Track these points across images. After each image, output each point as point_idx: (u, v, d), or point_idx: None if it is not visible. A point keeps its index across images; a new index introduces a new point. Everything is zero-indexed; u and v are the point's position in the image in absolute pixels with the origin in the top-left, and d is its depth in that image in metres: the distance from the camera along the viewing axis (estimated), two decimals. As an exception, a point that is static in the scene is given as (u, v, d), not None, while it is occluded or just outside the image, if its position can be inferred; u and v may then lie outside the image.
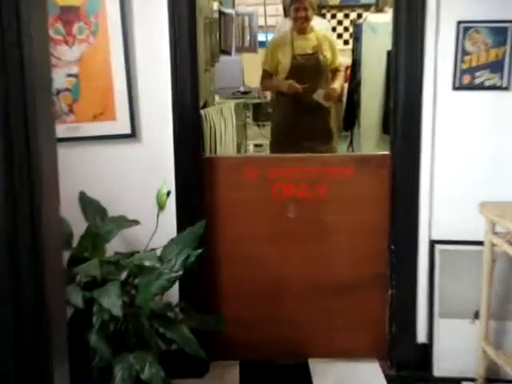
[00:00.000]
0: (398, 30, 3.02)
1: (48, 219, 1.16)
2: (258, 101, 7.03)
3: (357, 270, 3.29)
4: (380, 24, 4.90)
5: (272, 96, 5.02)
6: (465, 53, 2.99)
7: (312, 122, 4.53)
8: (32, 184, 1.12)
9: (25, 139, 1.11)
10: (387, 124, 4.16)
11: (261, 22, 9.49)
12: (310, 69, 4.50)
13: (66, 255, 2.60)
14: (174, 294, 3.06)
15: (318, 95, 4.49)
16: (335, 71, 4.68)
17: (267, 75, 4.67)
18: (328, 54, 4.55)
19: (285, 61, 4.53)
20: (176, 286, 2.94)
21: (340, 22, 10.31)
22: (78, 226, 2.72)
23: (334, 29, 10.47)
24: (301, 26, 4.52)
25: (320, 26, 4.93)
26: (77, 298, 2.35)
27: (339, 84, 4.70)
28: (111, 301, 2.36)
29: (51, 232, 1.18)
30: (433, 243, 3.16)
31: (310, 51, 4.52)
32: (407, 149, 3.10)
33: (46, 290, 1.18)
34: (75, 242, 2.69)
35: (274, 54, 4.58)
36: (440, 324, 3.19)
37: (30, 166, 1.11)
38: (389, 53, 4.34)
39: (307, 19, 4.50)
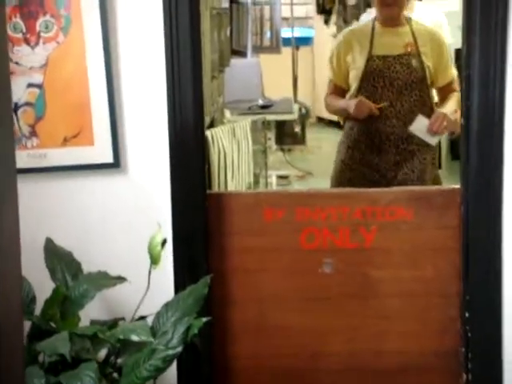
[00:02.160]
0: (471, 20, 3.01)
1: (5, 284, 1.16)
2: (281, 118, 7.05)
3: (415, 345, 3.27)
4: (446, 14, 4.91)
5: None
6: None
7: (397, 171, 4.09)
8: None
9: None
10: (457, 147, 4.15)
11: (285, 12, 9.60)
12: (396, 80, 4.05)
13: (26, 326, 2.59)
14: (170, 379, 3.04)
15: (418, 127, 3.99)
16: (447, 89, 4.17)
17: (335, 90, 4.28)
18: (430, 60, 4.08)
19: (356, 66, 4.12)
20: (173, 367, 2.92)
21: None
22: (43, 285, 2.71)
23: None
24: (388, 15, 4.08)
25: (427, 16, 4.61)
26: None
27: (452, 109, 4.06)
28: (85, 388, 2.34)
29: (9, 301, 1.18)
30: (522, 309, 3.13)
31: (399, 52, 4.06)
32: (485, 181, 3.08)
33: (1, 376, 1.18)
34: (38, 309, 2.68)
35: (343, 57, 4.19)
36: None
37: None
38: (457, 52, 4.34)
39: (398, 4, 4.03)
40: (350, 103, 4.11)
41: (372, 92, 4.07)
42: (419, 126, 4.01)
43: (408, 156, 4.11)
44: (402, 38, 4.09)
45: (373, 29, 4.15)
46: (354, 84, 4.16)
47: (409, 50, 4.05)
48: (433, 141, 4.03)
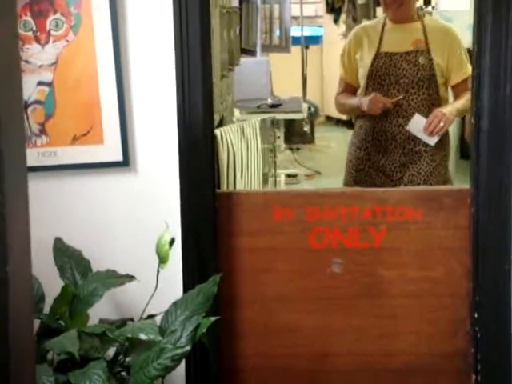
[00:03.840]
0: (482, 20, 3.00)
1: (16, 283, 1.16)
2: (291, 117, 7.05)
3: (425, 345, 3.26)
4: (456, 13, 4.90)
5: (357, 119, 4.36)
6: None
7: (403, 173, 4.03)
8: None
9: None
10: (466, 146, 4.12)
11: (295, 11, 9.60)
12: (402, 78, 3.97)
13: (35, 324, 2.59)
14: (178, 378, 3.04)
15: (415, 126, 3.91)
16: (461, 87, 4.02)
17: (347, 88, 4.21)
18: (441, 57, 3.98)
19: (364, 64, 4.05)
20: (182, 366, 2.91)
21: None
22: (52, 284, 2.71)
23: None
24: (393, 15, 4.00)
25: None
26: (47, 382, 2.32)
27: (454, 109, 4.00)
28: (94, 387, 2.34)
29: (20, 299, 1.18)
30: (531, 310, 3.11)
31: (406, 49, 3.98)
32: (495, 182, 3.07)
33: (11, 375, 1.17)
34: (47, 307, 2.68)
35: (353, 54, 4.14)
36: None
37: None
38: (469, 51, 4.33)
39: (403, 4, 3.94)
40: (363, 100, 4.03)
41: (378, 90, 4.00)
42: (416, 125, 3.92)
43: (415, 157, 4.03)
44: (411, 35, 4.01)
45: (383, 25, 4.07)
46: (362, 82, 4.10)
47: (417, 46, 3.97)
48: (431, 141, 3.92)
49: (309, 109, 8.34)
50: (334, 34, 11.44)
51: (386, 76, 4.00)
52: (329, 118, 12.23)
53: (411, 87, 3.97)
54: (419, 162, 4.01)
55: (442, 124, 3.89)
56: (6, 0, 1.19)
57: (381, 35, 4.04)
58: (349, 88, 4.21)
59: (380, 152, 4.07)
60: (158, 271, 2.79)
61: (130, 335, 2.59)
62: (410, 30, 4.04)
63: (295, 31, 9.65)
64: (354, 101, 4.14)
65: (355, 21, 10.52)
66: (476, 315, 3.16)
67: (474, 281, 3.16)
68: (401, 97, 3.96)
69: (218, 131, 3.86)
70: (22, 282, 1.19)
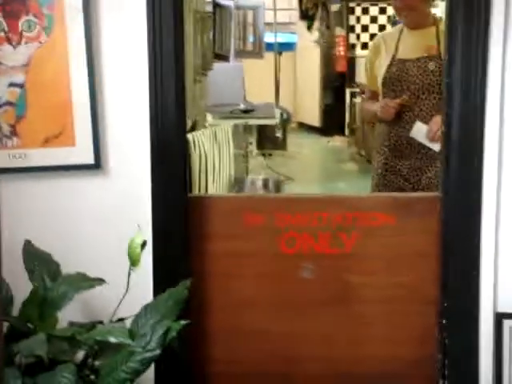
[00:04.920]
0: (453, 30, 3.02)
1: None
2: (263, 122, 7.05)
3: (394, 351, 3.27)
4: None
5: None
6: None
7: (421, 176, 4.06)
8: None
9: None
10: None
11: (269, 17, 9.60)
12: (413, 84, 4.00)
13: (4, 327, 2.57)
14: (148, 382, 3.02)
15: (418, 133, 3.96)
16: None
17: (371, 95, 4.30)
18: None
19: (381, 71, 4.10)
20: (151, 369, 2.91)
21: (374, 19, 10.42)
22: (21, 287, 2.69)
23: (364, 27, 10.61)
24: (406, 21, 4.04)
25: None
26: (15, 385, 2.32)
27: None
28: (62, 390, 2.33)
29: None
30: (500, 317, 3.13)
31: (418, 55, 4.00)
32: (464, 189, 3.09)
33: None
34: (16, 310, 2.66)
35: (373, 62, 4.21)
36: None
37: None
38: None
39: (412, 8, 3.97)
40: (376, 106, 4.13)
41: (392, 97, 4.04)
42: (419, 132, 3.96)
43: (430, 160, 4.04)
44: (424, 41, 4.02)
45: (400, 32, 4.12)
46: (380, 89, 4.15)
47: (429, 52, 3.97)
48: (435, 146, 3.90)
49: (281, 115, 8.35)
50: (307, 41, 11.49)
51: (398, 83, 4.03)
52: (301, 125, 12.27)
53: (421, 93, 3.99)
54: (434, 165, 4.00)
55: (442, 130, 3.88)
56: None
57: (397, 42, 4.08)
58: (373, 95, 4.27)
59: (397, 156, 4.11)
60: (129, 274, 2.78)
61: (99, 338, 2.57)
62: (424, 35, 4.03)
63: (269, 37, 9.66)
64: (372, 107, 4.22)
65: (328, 28, 10.57)
66: (444, 321, 3.18)
67: (442, 287, 3.18)
68: (406, 97, 3.97)
69: (190, 135, 3.86)
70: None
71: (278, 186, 6.15)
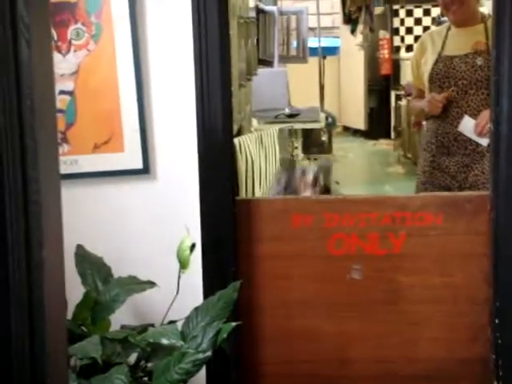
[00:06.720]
0: (500, 27, 3.00)
1: (50, 267, 1.17)
2: (308, 126, 7.04)
3: (445, 352, 3.25)
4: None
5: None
6: None
7: (468, 173, 4.02)
8: (29, 243, 1.12)
9: (22, 182, 1.11)
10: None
11: (312, 22, 9.62)
12: (461, 80, 3.98)
13: (58, 330, 2.61)
14: (199, 382, 3.04)
15: (466, 128, 3.92)
16: None
17: (419, 93, 4.31)
18: None
19: (427, 68, 4.11)
20: (203, 371, 2.92)
21: (418, 21, 10.35)
22: (74, 290, 2.72)
23: (409, 30, 10.56)
24: (453, 18, 4.04)
25: None
26: (71, 387, 2.35)
27: None
28: (116, 391, 2.35)
29: (53, 283, 1.19)
30: (551, 315, 3.10)
31: (466, 51, 4.00)
32: (513, 187, 3.07)
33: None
34: (69, 313, 2.69)
35: (419, 59, 4.23)
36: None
37: (28, 219, 1.12)
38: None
39: (462, 6, 3.96)
40: (423, 102, 4.13)
41: (438, 93, 4.02)
42: (467, 126, 3.93)
43: (477, 157, 4.01)
44: (472, 37, 4.01)
45: (448, 30, 4.12)
46: (426, 86, 4.15)
47: (477, 48, 3.96)
48: (483, 141, 3.87)
49: (326, 119, 8.33)
50: (351, 45, 11.45)
51: (445, 79, 4.02)
52: (346, 129, 12.24)
53: (469, 88, 3.97)
54: (482, 162, 3.96)
55: (490, 125, 3.86)
56: (40, 12, 1.21)
57: (444, 39, 4.09)
58: (420, 93, 4.27)
59: (444, 153, 4.08)
60: (179, 277, 2.80)
61: (151, 340, 2.59)
62: (471, 32, 4.04)
63: (312, 42, 9.67)
64: (420, 104, 4.23)
65: (372, 31, 10.53)
66: (496, 321, 3.15)
67: (494, 286, 3.15)
68: (452, 90, 3.95)
69: (236, 140, 3.87)
70: (55, 267, 1.20)
71: (327, 170, 6.11)
